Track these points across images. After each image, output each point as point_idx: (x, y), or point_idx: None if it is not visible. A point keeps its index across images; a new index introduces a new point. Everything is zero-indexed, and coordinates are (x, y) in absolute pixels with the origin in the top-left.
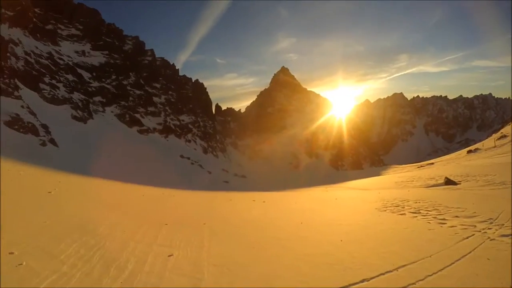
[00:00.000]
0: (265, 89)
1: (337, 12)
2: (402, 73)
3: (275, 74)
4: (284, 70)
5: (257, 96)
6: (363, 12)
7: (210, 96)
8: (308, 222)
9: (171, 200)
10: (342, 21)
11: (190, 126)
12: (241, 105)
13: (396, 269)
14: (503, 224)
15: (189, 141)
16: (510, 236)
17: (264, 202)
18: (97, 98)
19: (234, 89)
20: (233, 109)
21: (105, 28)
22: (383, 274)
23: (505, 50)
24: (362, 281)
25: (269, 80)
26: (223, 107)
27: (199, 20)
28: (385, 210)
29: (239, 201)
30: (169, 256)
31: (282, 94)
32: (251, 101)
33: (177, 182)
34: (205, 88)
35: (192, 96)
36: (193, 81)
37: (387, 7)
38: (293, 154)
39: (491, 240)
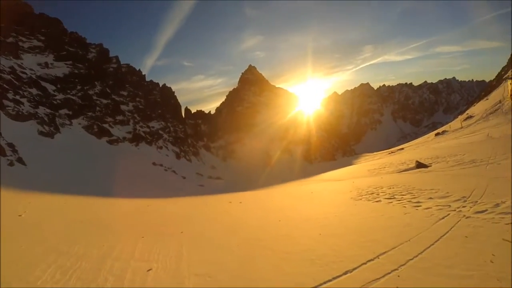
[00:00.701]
0: (234, 89)
1: (303, 7)
2: (368, 63)
3: (242, 73)
4: (251, 69)
5: (226, 96)
6: (329, 6)
7: (179, 100)
8: (286, 219)
9: (146, 211)
10: (308, 16)
11: (160, 132)
12: (211, 107)
13: (377, 256)
14: (477, 201)
15: (161, 147)
16: (486, 212)
17: (241, 203)
18: (63, 111)
19: (202, 91)
20: (203, 111)
21: (67, 37)
22: (364, 263)
23: (469, 34)
24: (345, 273)
25: (238, 80)
26: (193, 110)
27: (164, 23)
28: (361, 199)
29: (215, 204)
30: (148, 270)
31: (250, 93)
32: (221, 102)
33: (152, 191)
34: (173, 92)
35: (161, 101)
36: (160, 86)
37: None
38: (266, 152)
39: (466, 218)
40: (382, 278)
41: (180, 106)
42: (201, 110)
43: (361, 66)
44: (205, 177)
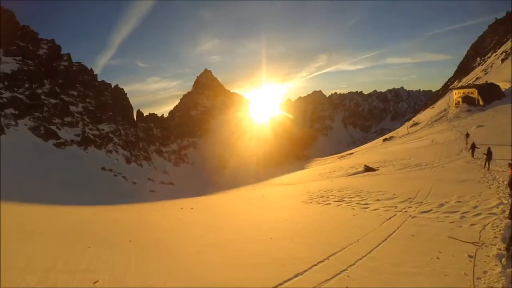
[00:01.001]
0: (188, 92)
1: (260, 13)
2: (322, 71)
3: (198, 77)
4: (207, 73)
5: (180, 99)
6: (285, 13)
7: (131, 102)
8: (238, 225)
9: (94, 219)
10: (265, 22)
11: (110, 135)
12: (165, 110)
13: (327, 258)
14: (422, 202)
15: (110, 151)
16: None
17: (192, 208)
18: (9, 111)
19: (157, 93)
20: (156, 114)
21: (19, 30)
22: (315, 265)
23: (418, 47)
24: (296, 275)
25: (193, 83)
26: (145, 113)
27: (120, 22)
28: (311, 202)
29: (166, 210)
30: (94, 282)
31: (205, 97)
32: (175, 105)
33: (100, 197)
34: (126, 94)
35: (112, 103)
36: (112, 86)
37: (308, 9)
38: (220, 157)
39: (412, 217)
40: (332, 279)
41: (132, 109)
42: (153, 113)
43: (314, 74)
44: (156, 183)
